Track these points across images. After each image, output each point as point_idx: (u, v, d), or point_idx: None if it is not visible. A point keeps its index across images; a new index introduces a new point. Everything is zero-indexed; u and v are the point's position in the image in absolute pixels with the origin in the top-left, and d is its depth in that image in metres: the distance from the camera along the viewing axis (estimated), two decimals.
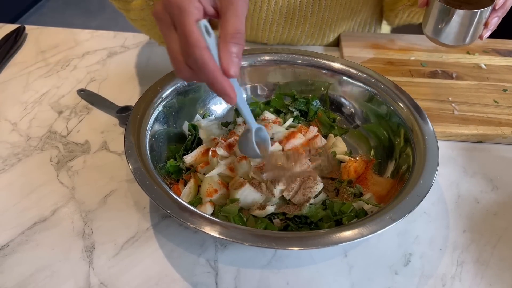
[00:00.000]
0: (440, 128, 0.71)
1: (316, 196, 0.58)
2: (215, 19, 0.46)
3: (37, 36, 0.95)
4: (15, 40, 0.91)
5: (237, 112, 0.73)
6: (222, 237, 0.46)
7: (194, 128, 0.67)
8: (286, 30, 0.89)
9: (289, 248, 0.46)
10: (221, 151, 0.60)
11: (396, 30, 1.01)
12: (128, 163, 0.53)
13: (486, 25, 0.66)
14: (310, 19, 0.88)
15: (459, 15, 0.65)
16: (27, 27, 0.96)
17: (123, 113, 0.74)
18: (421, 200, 0.51)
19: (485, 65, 0.85)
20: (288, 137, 0.63)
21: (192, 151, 0.64)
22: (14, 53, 0.90)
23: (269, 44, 0.94)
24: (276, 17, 0.87)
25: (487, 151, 0.71)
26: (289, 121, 0.69)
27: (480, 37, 0.68)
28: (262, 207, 0.55)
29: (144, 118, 0.60)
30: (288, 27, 0.89)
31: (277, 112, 0.73)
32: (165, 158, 0.63)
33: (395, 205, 0.50)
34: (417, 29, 0.83)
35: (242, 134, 0.56)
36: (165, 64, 0.88)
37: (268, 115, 0.68)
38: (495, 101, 0.77)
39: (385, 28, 1.03)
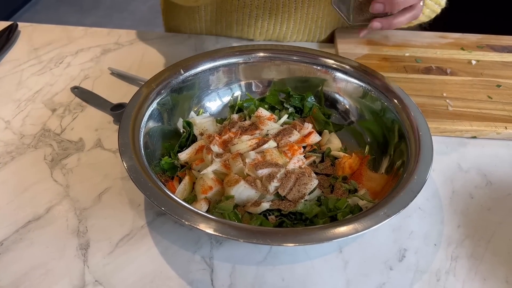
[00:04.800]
0: (434, 124, 0.71)
1: (311, 192, 0.58)
2: None
3: (30, 33, 0.94)
4: (7, 37, 0.90)
5: (232, 108, 0.73)
6: (217, 234, 0.46)
7: (189, 125, 0.66)
8: (272, 26, 0.90)
9: (284, 245, 0.46)
10: (215, 148, 0.60)
11: None
12: (123, 161, 0.53)
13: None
14: (295, 15, 0.88)
15: None
16: (20, 24, 0.95)
17: (117, 110, 0.73)
18: (416, 196, 0.51)
19: (477, 61, 0.85)
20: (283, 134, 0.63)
21: (186, 148, 0.63)
22: (7, 50, 0.89)
23: (256, 41, 0.94)
24: (261, 12, 0.87)
25: (481, 146, 0.72)
26: (284, 117, 0.69)
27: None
28: (257, 203, 0.55)
29: (138, 116, 0.60)
30: (273, 23, 0.89)
31: (272, 108, 0.73)
32: (160, 155, 0.63)
33: (389, 201, 0.50)
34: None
35: None
36: (159, 61, 0.87)
37: (263, 112, 0.68)
38: (489, 97, 0.77)
39: None
